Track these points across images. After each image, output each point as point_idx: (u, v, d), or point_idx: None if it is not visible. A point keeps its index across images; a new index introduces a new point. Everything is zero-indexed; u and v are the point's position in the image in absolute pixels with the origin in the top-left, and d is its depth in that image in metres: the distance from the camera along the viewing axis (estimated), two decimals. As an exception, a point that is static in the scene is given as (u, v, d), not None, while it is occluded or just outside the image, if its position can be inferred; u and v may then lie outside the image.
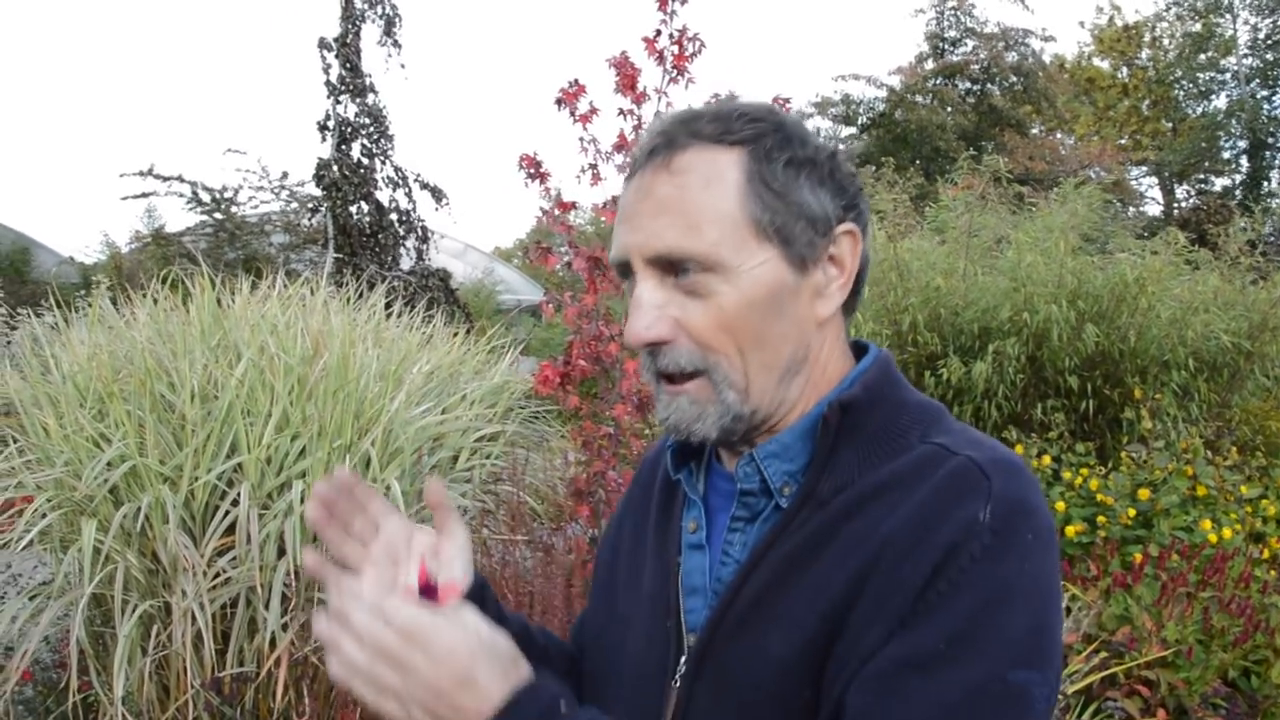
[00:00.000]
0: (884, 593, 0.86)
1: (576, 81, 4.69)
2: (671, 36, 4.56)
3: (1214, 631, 3.82)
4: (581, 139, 4.69)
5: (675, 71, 4.60)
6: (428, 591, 0.96)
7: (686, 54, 4.57)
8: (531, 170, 4.73)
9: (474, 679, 0.83)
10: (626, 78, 4.60)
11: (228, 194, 14.15)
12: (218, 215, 14.20)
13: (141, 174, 13.55)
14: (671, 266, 0.93)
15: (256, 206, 14.64)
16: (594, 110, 4.68)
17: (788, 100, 4.85)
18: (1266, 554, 4.72)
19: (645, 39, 4.57)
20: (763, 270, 0.93)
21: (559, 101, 4.72)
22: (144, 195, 13.86)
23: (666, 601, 1.04)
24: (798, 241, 0.95)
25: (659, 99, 4.62)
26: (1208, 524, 4.58)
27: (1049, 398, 6.03)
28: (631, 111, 4.64)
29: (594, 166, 4.70)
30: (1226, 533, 4.56)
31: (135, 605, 3.09)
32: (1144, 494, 4.73)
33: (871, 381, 1.01)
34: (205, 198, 13.95)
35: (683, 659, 1.00)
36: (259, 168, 14.67)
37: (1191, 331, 6.01)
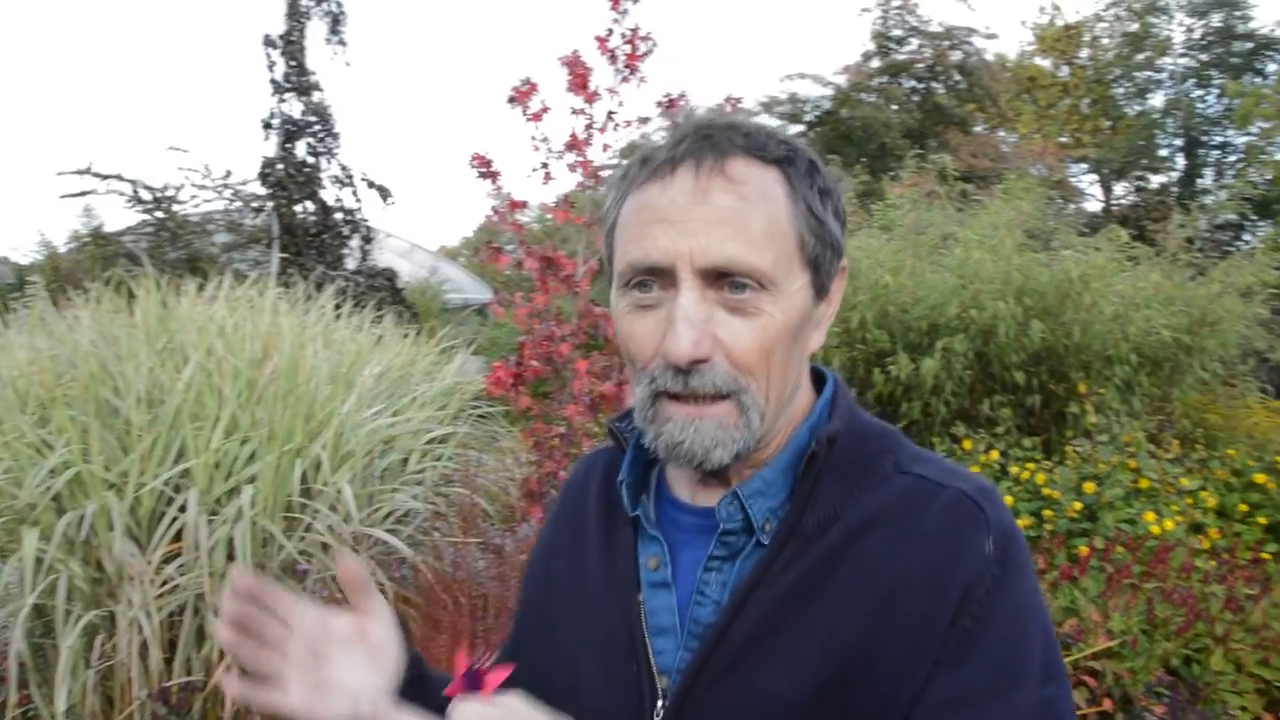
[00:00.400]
0: (910, 634, 0.87)
1: (529, 80, 4.67)
2: (623, 36, 4.56)
3: (1157, 621, 3.89)
4: (533, 137, 4.68)
5: (627, 70, 4.60)
6: (473, 679, 0.90)
7: (639, 53, 4.57)
8: (483, 169, 4.70)
9: None
10: (578, 76, 4.59)
11: (169, 192, 13.90)
12: (159, 214, 13.93)
13: (79, 172, 13.25)
14: (719, 280, 0.89)
15: (199, 205, 14.37)
16: (546, 109, 4.66)
17: (739, 100, 4.87)
18: (1206, 544, 4.81)
19: (597, 38, 4.57)
20: (799, 296, 0.92)
21: (511, 100, 4.69)
22: (82, 194, 13.56)
23: (630, 643, 0.99)
24: (824, 270, 0.95)
25: (611, 98, 4.62)
26: (1150, 516, 4.66)
27: (996, 393, 6.11)
28: (583, 110, 4.64)
29: (545, 165, 4.69)
30: (1169, 524, 4.65)
31: (79, 616, 3.03)
32: (1089, 487, 4.81)
33: (844, 412, 1.02)
34: (146, 196, 13.68)
35: (659, 702, 0.96)
36: (202, 166, 14.38)
37: (1134, 327, 6.12)
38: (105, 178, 13.43)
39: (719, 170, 0.89)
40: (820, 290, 0.95)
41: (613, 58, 4.58)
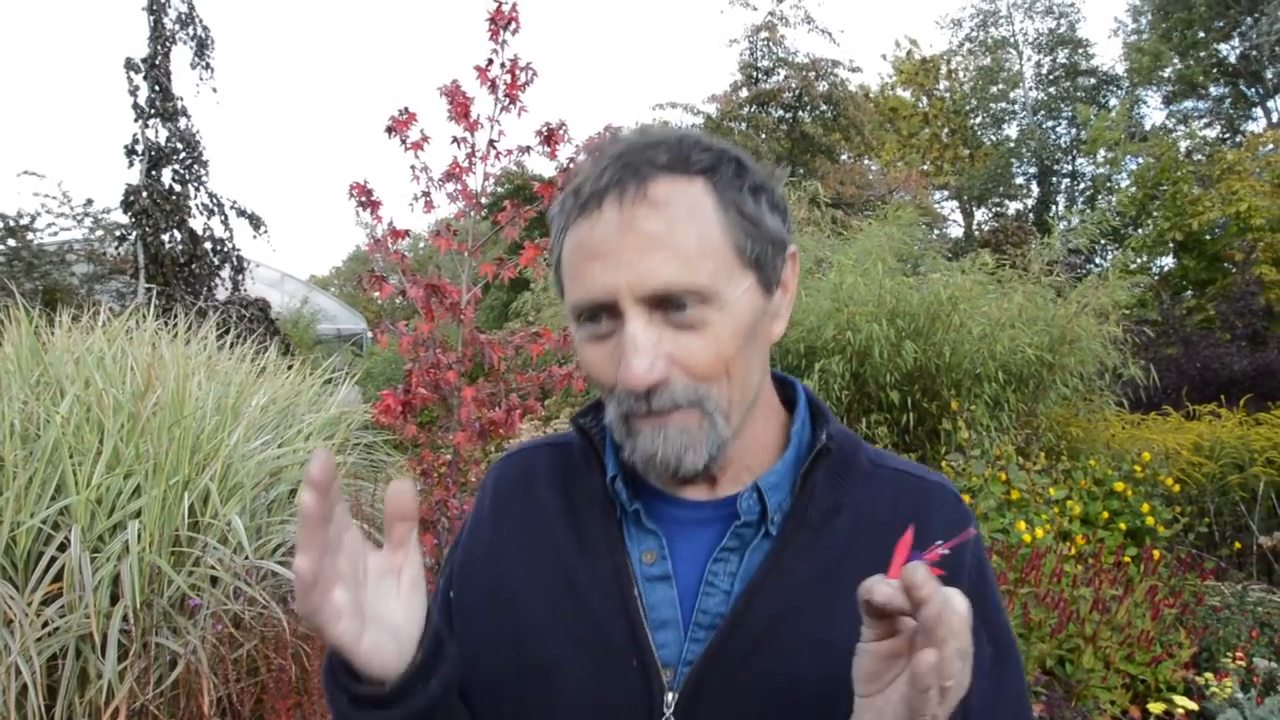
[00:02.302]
0: None
1: (407, 110, 4.66)
2: (503, 65, 4.59)
3: (1033, 624, 4.09)
4: (413, 167, 4.66)
5: (508, 100, 4.63)
6: None
7: (519, 82, 4.60)
8: (362, 198, 4.67)
9: None
10: (459, 105, 4.59)
11: (24, 220, 13.31)
12: (11, 243, 13.32)
13: (-75, 200, 12.60)
14: (663, 303, 0.90)
15: (56, 234, 13.80)
16: (425, 138, 4.66)
17: (619, 128, 4.95)
18: (1073, 551, 5.07)
19: (477, 68, 4.58)
20: (745, 298, 0.93)
21: (389, 129, 4.67)
22: (-72, 222, 12.88)
23: (631, 639, 0.97)
24: (768, 266, 0.96)
25: (491, 127, 4.64)
26: (1022, 525, 4.90)
27: (872, 412, 6.33)
28: (465, 139, 4.64)
29: (427, 194, 4.68)
30: (1039, 532, 4.89)
31: (-49, 663, 2.89)
32: (964, 499, 5.02)
33: (829, 410, 1.09)
34: (-2, 224, 13.08)
35: (669, 695, 0.95)
36: (59, 193, 13.81)
37: (1000, 346, 6.42)
38: (-47, 206, 12.79)
39: (642, 196, 0.90)
40: (769, 285, 0.97)
41: (493, 87, 4.60)
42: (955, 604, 0.73)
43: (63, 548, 3.12)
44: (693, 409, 0.92)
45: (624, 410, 0.94)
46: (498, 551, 1.11)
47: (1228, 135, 24.92)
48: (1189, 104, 26.44)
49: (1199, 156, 18.74)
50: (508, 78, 4.60)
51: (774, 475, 1.01)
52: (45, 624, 2.99)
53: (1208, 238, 16.74)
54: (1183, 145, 19.42)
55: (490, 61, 4.60)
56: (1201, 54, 24.97)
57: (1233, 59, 24.93)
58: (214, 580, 3.30)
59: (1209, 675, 4.10)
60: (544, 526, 1.09)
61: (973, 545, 1.00)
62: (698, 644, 0.97)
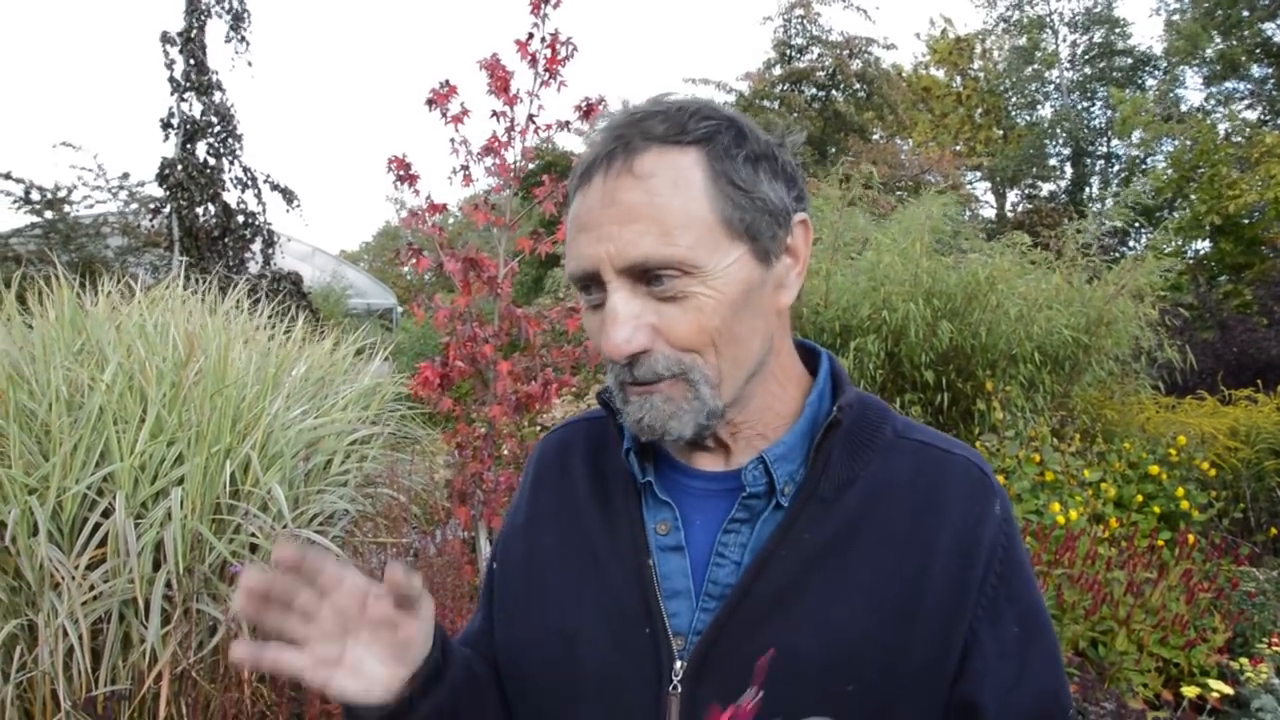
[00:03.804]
0: (944, 595, 0.95)
1: (448, 82, 4.67)
2: (544, 40, 4.58)
3: (1066, 606, 4.07)
4: (453, 140, 4.67)
5: (547, 74, 4.62)
6: None
7: (559, 57, 4.59)
8: (401, 172, 4.68)
9: None
10: (499, 79, 4.59)
11: (61, 193, 13.42)
12: (49, 215, 13.44)
13: (-37, 172, 12.72)
14: (644, 274, 0.91)
15: (92, 206, 13.92)
16: (466, 111, 4.66)
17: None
18: (1107, 533, 5.04)
19: (518, 42, 4.57)
20: (735, 268, 0.93)
21: (430, 102, 4.68)
22: (-32, 195, 13.02)
23: (644, 607, 1.00)
24: (763, 236, 0.95)
25: (530, 101, 4.64)
26: (1056, 506, 4.87)
27: (907, 392, 6.30)
28: (504, 113, 4.64)
29: (466, 168, 4.69)
30: (1073, 514, 4.86)
31: (-2, 626, 2.94)
32: (994, 475, 5.00)
33: (848, 380, 1.08)
34: (36, 197, 13.20)
35: (677, 664, 0.97)
36: (95, 166, 13.90)
37: (1036, 327, 6.37)
38: (-8, 177, 12.93)
39: (626, 170, 0.92)
40: (766, 254, 0.96)
41: (533, 61, 4.60)
42: None
43: (107, 514, 3.16)
44: (677, 379, 0.94)
45: (617, 378, 0.98)
46: (534, 523, 1.15)
47: (1269, 117, 24.50)
48: (1230, 85, 25.99)
49: (1238, 139, 18.46)
50: (548, 52, 4.59)
51: (781, 446, 1.01)
52: (91, 588, 3.03)
53: (1245, 221, 16.51)
54: (1222, 128, 19.14)
55: (531, 36, 4.59)
56: (1245, 34, 24.53)
57: (1277, 39, 24.49)
58: (254, 548, 3.34)
59: (1244, 660, 4.07)
60: (575, 499, 1.12)
61: (997, 523, 0.99)
62: (707, 614, 0.98)
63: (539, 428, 5.77)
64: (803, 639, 0.93)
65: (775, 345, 1.03)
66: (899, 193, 8.48)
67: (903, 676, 0.93)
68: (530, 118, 4.64)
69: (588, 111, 4.65)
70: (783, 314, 1.03)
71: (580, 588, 1.06)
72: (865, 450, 1.02)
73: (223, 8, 12.68)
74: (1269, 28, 24.54)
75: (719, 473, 1.04)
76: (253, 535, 3.28)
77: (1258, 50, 24.73)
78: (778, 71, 25.99)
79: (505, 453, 4.70)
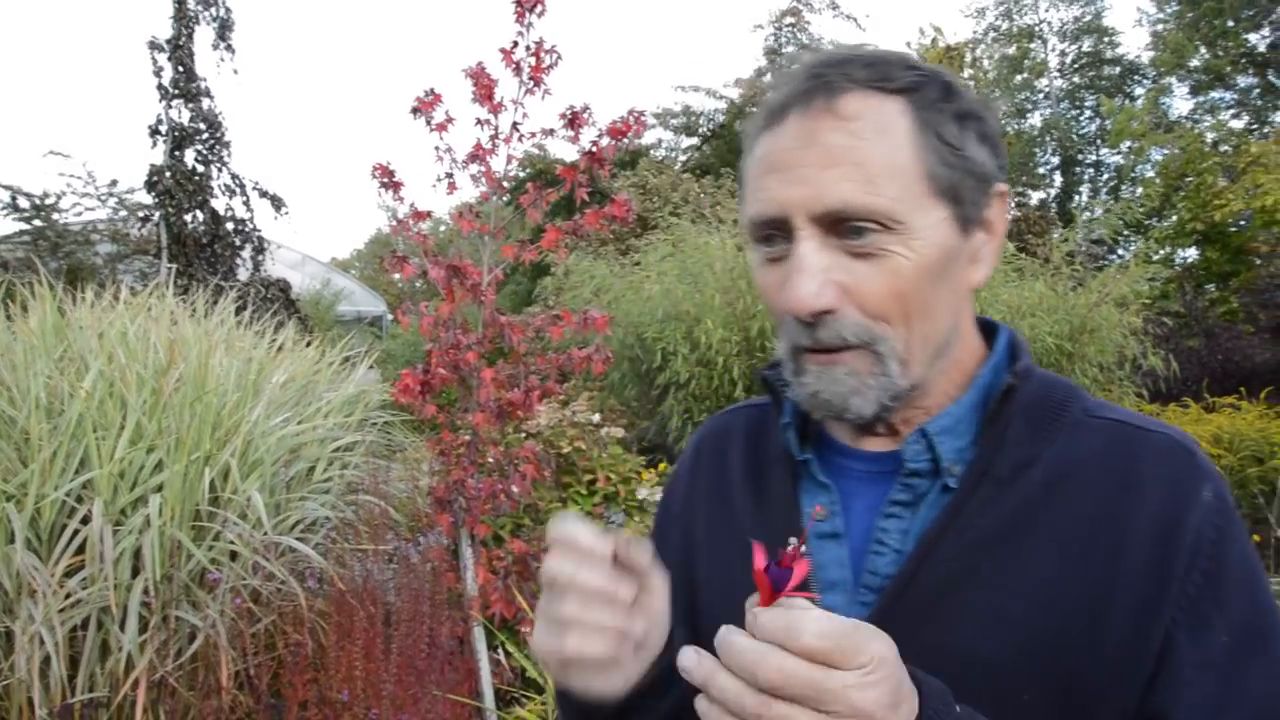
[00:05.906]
0: (1140, 589, 0.80)
1: (432, 91, 4.67)
2: (528, 48, 4.59)
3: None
4: (437, 148, 4.67)
5: (532, 82, 4.63)
6: (778, 578, 0.66)
7: (544, 65, 4.60)
8: (385, 179, 4.68)
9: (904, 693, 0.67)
10: (484, 87, 4.60)
11: (49, 200, 13.39)
12: (37, 222, 13.40)
13: (-50, 179, 12.69)
14: (838, 225, 0.82)
15: (80, 214, 13.89)
16: (450, 119, 4.66)
17: (642, 113, 4.94)
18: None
19: (502, 50, 4.58)
20: (936, 232, 0.84)
21: (414, 110, 4.69)
22: (-47, 201, 12.98)
23: None
24: (966, 201, 0.86)
25: (515, 109, 4.65)
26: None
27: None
28: (489, 121, 4.65)
29: (450, 176, 4.69)
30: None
31: (-30, 634, 2.94)
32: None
33: (1028, 352, 0.96)
34: (24, 204, 13.17)
35: None
36: (84, 173, 13.86)
37: (1021, 334, 6.39)
38: (-21, 184, 12.92)
39: (828, 109, 0.83)
40: (966, 222, 0.87)
41: (518, 69, 4.60)
42: (736, 650, 0.66)
43: (85, 521, 3.16)
44: (864, 350, 0.84)
45: (792, 343, 0.87)
46: (688, 510, 1.09)
47: (1255, 126, 24.66)
48: (1216, 94, 26.16)
49: (1225, 148, 18.56)
50: (532, 60, 4.59)
51: (946, 418, 0.90)
52: (68, 595, 3.03)
53: (1232, 230, 16.60)
54: (1209, 136, 19.25)
55: (515, 44, 4.59)
56: (1230, 44, 24.70)
57: (1262, 48, 24.66)
58: (233, 555, 3.34)
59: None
60: (729, 485, 1.05)
61: (1205, 512, 0.82)
62: (864, 608, 0.88)
63: (523, 435, 5.76)
64: (973, 638, 0.82)
65: (961, 328, 0.92)
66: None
67: (1087, 683, 0.80)
68: (515, 125, 4.65)
69: (572, 120, 4.66)
70: (971, 294, 0.93)
71: (724, 577, 0.97)
72: (1048, 427, 0.88)
73: (210, 15, 12.68)
74: (1253, 38, 24.72)
75: (886, 454, 0.94)
76: (231, 543, 3.28)
77: (1243, 60, 24.90)
78: (769, 79, 26.03)
79: (489, 460, 4.69)
